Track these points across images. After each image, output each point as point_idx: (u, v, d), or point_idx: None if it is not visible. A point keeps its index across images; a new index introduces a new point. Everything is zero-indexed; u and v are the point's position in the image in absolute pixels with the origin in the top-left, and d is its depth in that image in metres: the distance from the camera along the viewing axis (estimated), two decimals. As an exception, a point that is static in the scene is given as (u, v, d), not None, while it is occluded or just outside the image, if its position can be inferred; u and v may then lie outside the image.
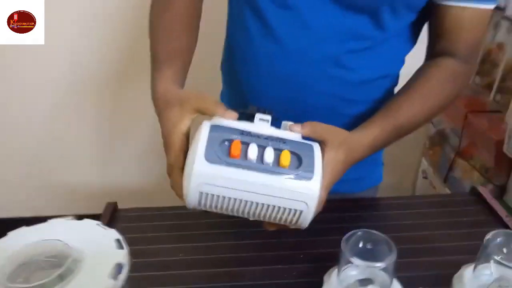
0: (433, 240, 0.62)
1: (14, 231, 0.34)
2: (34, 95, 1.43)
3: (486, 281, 0.50)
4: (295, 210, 0.46)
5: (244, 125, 0.47)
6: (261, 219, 0.48)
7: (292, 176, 0.45)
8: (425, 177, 1.32)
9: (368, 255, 0.47)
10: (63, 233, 0.33)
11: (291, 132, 0.50)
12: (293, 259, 0.59)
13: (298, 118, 0.51)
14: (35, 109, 1.44)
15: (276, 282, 0.55)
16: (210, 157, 0.44)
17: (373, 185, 0.78)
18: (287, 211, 0.46)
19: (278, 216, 0.47)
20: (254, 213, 0.47)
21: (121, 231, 0.63)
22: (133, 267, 0.58)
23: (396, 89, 0.66)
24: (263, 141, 0.46)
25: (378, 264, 0.46)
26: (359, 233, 0.49)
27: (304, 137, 0.50)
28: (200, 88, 0.52)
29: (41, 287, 0.28)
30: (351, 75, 0.62)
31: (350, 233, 0.48)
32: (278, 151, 0.46)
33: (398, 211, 0.69)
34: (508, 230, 0.49)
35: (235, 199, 0.45)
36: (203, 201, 0.45)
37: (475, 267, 0.50)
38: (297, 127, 0.50)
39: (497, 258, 0.47)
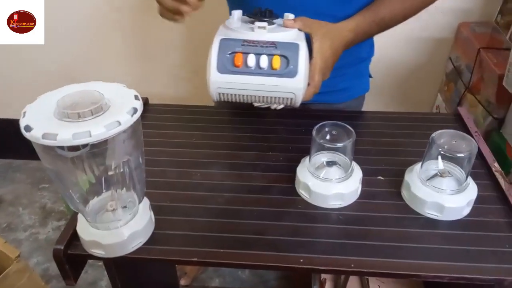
0: (399, 145, 0.71)
1: (65, 86, 0.48)
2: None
3: (431, 173, 0.61)
4: (287, 98, 0.62)
5: (246, 34, 0.61)
6: (264, 103, 0.67)
7: (281, 75, 0.60)
8: (437, 112, 1.38)
9: (333, 141, 0.59)
10: (99, 88, 0.47)
11: (286, 29, 0.63)
12: (283, 149, 0.70)
13: None
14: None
15: (265, 163, 0.67)
16: (220, 68, 0.60)
17: (360, 95, 0.88)
18: (281, 99, 0.63)
19: (275, 101, 0.63)
20: (258, 101, 0.64)
21: (149, 119, 0.78)
22: (154, 144, 0.73)
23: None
24: (259, 49, 0.60)
25: (339, 144, 0.58)
26: (328, 124, 0.60)
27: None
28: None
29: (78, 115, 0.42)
30: None
31: (320, 123, 0.60)
32: (270, 56, 0.60)
33: (379, 122, 0.77)
34: (450, 130, 0.58)
35: (243, 95, 0.62)
36: (222, 97, 0.63)
37: (423, 162, 0.60)
38: (290, 22, 0.63)
39: (441, 151, 0.57)
